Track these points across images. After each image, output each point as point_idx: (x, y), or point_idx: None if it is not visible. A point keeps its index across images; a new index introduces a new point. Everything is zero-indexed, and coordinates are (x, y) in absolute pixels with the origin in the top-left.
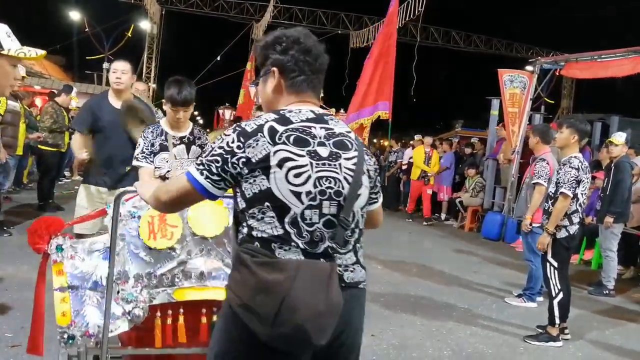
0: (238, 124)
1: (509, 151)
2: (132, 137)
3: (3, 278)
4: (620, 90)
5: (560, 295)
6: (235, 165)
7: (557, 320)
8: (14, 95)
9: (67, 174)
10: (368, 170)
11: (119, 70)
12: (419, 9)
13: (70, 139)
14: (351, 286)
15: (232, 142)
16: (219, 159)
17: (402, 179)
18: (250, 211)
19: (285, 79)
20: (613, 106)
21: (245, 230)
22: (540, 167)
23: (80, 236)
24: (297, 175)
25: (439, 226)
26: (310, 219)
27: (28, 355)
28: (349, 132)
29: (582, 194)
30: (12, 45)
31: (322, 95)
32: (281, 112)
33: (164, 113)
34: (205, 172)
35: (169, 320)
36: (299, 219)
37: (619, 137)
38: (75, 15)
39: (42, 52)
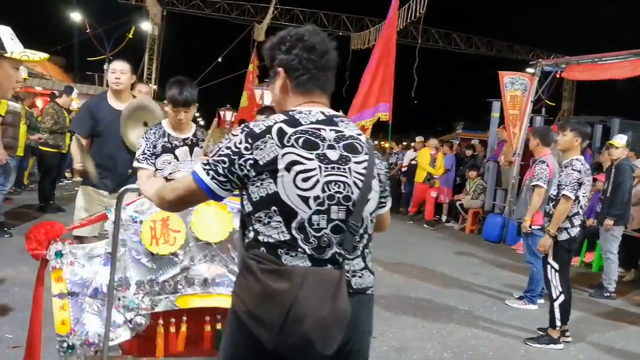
0: (246, 124)
1: (510, 153)
2: (127, 141)
3: (4, 279)
4: (620, 93)
5: (561, 298)
6: (242, 167)
7: (558, 323)
8: (15, 96)
9: (67, 175)
10: (379, 174)
11: (118, 70)
12: (420, 11)
13: (71, 140)
14: (359, 292)
15: (240, 142)
16: (225, 159)
17: (402, 181)
18: (257, 215)
19: (290, 79)
20: (614, 108)
21: (251, 234)
22: (539, 169)
23: (79, 238)
24: (305, 180)
25: (440, 228)
26: (318, 225)
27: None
28: (360, 134)
29: (583, 196)
30: (15, 47)
31: None
32: (290, 113)
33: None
34: (211, 172)
35: (172, 329)
36: (306, 225)
37: (620, 140)
38: (76, 17)
39: (45, 55)
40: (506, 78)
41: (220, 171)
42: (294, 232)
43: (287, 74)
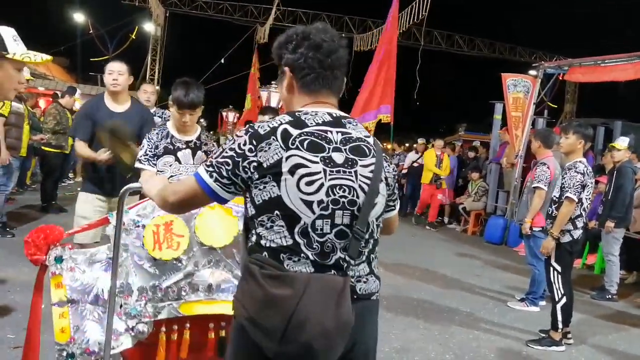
0: (251, 125)
1: (512, 155)
2: (118, 163)
3: (5, 280)
4: (623, 95)
5: (564, 300)
6: (246, 169)
7: (560, 325)
8: (17, 96)
9: (70, 175)
10: (386, 177)
11: (115, 72)
12: (423, 13)
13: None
14: (364, 298)
15: (244, 144)
16: (229, 161)
17: (402, 183)
18: (260, 219)
19: (296, 79)
20: (616, 111)
21: (254, 238)
22: (540, 171)
23: (80, 245)
24: (309, 183)
25: (442, 230)
26: (322, 229)
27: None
28: (368, 136)
29: (586, 198)
30: (18, 49)
31: None
32: (296, 114)
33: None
34: (214, 174)
35: (175, 336)
36: (310, 229)
37: (622, 142)
38: (79, 17)
39: (47, 57)
40: (509, 80)
41: (224, 173)
42: (296, 237)
43: (293, 73)
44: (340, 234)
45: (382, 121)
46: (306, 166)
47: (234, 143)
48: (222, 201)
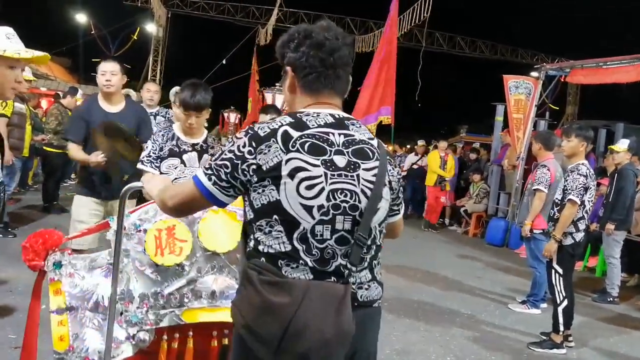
0: (251, 126)
1: (514, 157)
2: (113, 166)
3: (7, 280)
4: (625, 97)
5: (565, 302)
6: (245, 172)
7: (561, 327)
8: (20, 97)
9: (72, 175)
10: (390, 181)
11: (108, 72)
12: (425, 15)
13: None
14: (365, 305)
15: (244, 146)
16: (228, 164)
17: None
18: (258, 223)
19: (298, 78)
20: (618, 113)
21: (252, 243)
22: (540, 174)
23: (77, 251)
24: (309, 187)
25: (443, 232)
26: (321, 235)
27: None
28: (372, 138)
29: (588, 201)
30: (9, 46)
31: None
32: (298, 115)
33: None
34: (213, 177)
35: (177, 344)
36: (309, 235)
37: (621, 144)
38: (81, 18)
39: (40, 53)
40: (510, 82)
41: (223, 176)
42: (295, 242)
43: (294, 72)
44: (341, 240)
45: (383, 123)
46: (306, 169)
47: (233, 145)
48: (221, 205)
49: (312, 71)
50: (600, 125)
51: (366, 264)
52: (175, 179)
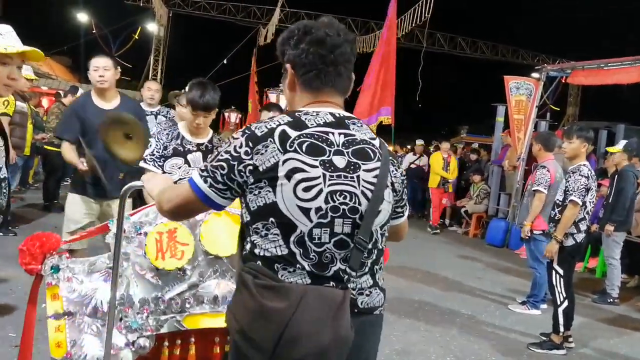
0: (248, 126)
1: (514, 158)
2: (118, 157)
3: (7, 279)
4: (626, 98)
5: (565, 303)
6: (242, 173)
7: (562, 328)
8: (21, 96)
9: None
10: (393, 183)
11: (101, 67)
12: (426, 15)
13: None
14: (366, 312)
15: (240, 146)
16: (224, 165)
17: None
18: (254, 226)
19: (297, 76)
20: (619, 114)
21: (248, 246)
22: (540, 174)
23: (70, 252)
24: (306, 189)
25: (443, 232)
26: (319, 239)
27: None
28: (373, 138)
29: (589, 201)
30: None
31: None
32: (296, 114)
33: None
34: (209, 179)
35: (178, 351)
36: (306, 238)
37: (618, 146)
38: (83, 17)
39: (29, 48)
40: (511, 83)
41: (219, 178)
42: (292, 246)
43: (294, 70)
44: (341, 243)
45: (384, 123)
46: (304, 170)
47: (229, 145)
48: (218, 208)
49: (311, 68)
50: (601, 126)
51: (367, 269)
52: (179, 179)
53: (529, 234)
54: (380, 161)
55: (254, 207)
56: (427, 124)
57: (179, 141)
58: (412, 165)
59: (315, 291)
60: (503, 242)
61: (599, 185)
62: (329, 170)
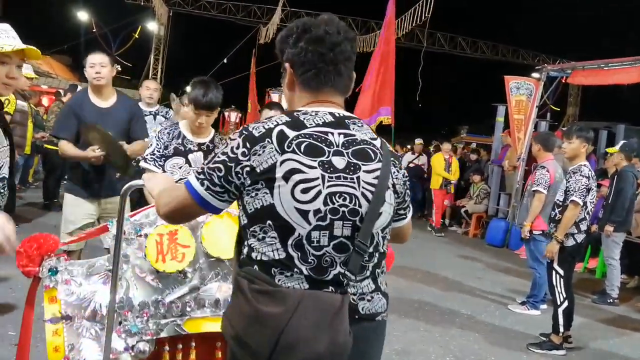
0: (245, 126)
1: (514, 158)
2: (113, 161)
3: (8, 277)
4: (626, 98)
5: (565, 303)
6: (239, 174)
7: (561, 329)
8: (22, 94)
9: None
10: (394, 184)
11: (98, 64)
12: (426, 15)
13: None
14: (367, 318)
15: (237, 147)
16: (221, 167)
17: None
18: (252, 229)
19: (296, 75)
20: (619, 114)
21: (246, 250)
22: (540, 175)
23: (67, 253)
24: (304, 191)
25: (443, 232)
26: (318, 242)
27: (30, 352)
28: (375, 138)
29: (590, 202)
30: None
31: None
32: (295, 114)
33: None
34: (206, 182)
35: (179, 356)
36: (305, 242)
37: (617, 146)
38: (83, 16)
39: (21, 45)
40: (512, 83)
41: (216, 180)
42: (290, 249)
43: (293, 69)
44: (340, 247)
45: (384, 123)
46: (302, 172)
47: (226, 147)
48: (215, 211)
49: (311, 67)
50: (601, 126)
51: (368, 273)
52: (180, 179)
53: (529, 234)
54: (381, 162)
55: (251, 209)
56: (427, 124)
57: (180, 140)
58: (411, 165)
59: (312, 296)
60: (503, 242)
61: (599, 185)
62: (328, 171)
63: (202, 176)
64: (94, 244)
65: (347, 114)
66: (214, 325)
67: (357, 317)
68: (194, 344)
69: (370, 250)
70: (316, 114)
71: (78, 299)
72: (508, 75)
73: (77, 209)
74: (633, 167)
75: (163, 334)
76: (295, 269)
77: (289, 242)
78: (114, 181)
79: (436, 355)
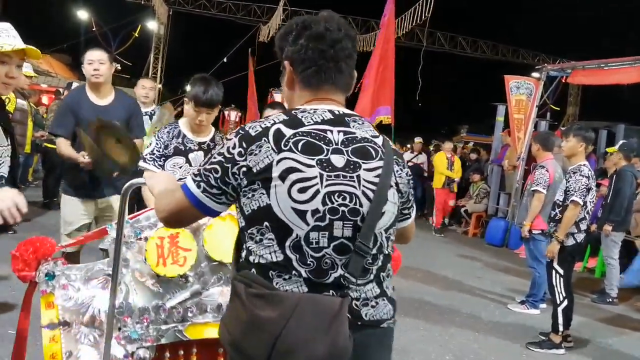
0: (242, 126)
1: (514, 158)
2: (100, 166)
3: (8, 276)
4: (626, 98)
5: (565, 303)
6: (236, 175)
7: (561, 328)
8: (21, 93)
9: None
10: (397, 183)
11: (96, 61)
12: (426, 14)
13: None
14: (372, 325)
15: (234, 147)
16: (218, 168)
17: None
18: (249, 231)
19: (296, 73)
20: (619, 114)
21: (244, 253)
22: (539, 174)
23: (64, 254)
24: (302, 190)
25: (443, 231)
26: (317, 243)
27: (30, 352)
28: (376, 136)
29: (590, 201)
30: None
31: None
32: (293, 112)
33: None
34: (202, 184)
35: None
36: (303, 243)
37: (616, 146)
38: (83, 15)
39: (23, 45)
40: (512, 82)
41: (213, 182)
42: (288, 251)
43: (292, 67)
44: (341, 248)
45: (383, 122)
46: (299, 170)
47: (222, 147)
48: (213, 214)
49: (311, 65)
50: (601, 126)
51: (372, 277)
52: (180, 179)
53: (528, 234)
54: (382, 160)
55: (248, 211)
56: (427, 124)
57: (180, 139)
58: (409, 163)
59: (310, 299)
60: (502, 241)
61: (598, 185)
62: (327, 170)
63: (198, 178)
64: (90, 245)
65: (348, 111)
66: (216, 331)
67: (360, 323)
68: (195, 350)
69: (374, 251)
70: (315, 112)
71: (76, 304)
72: (508, 75)
73: (74, 210)
74: (632, 166)
75: (164, 340)
76: (294, 272)
77: (287, 243)
78: (112, 180)
79: (436, 355)
